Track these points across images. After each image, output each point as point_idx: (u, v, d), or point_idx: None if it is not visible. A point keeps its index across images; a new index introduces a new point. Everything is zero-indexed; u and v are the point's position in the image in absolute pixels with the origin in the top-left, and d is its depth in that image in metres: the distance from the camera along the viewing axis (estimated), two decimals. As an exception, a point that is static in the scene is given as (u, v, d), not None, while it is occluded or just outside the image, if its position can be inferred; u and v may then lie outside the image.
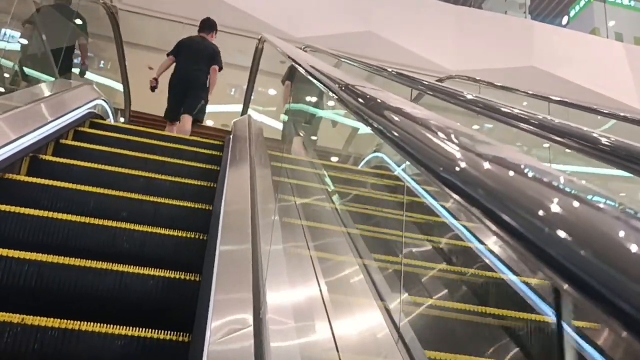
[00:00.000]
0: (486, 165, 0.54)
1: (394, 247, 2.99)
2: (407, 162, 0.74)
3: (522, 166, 0.51)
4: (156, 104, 11.81)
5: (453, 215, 3.55)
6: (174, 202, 2.85)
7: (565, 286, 0.37)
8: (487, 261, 2.67)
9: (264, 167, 3.12)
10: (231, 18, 9.28)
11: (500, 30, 10.14)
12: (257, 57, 5.61)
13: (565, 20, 14.57)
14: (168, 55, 6.12)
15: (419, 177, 4.46)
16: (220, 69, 5.94)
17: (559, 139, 1.48)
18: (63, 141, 3.50)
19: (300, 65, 2.49)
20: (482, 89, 5.45)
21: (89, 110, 4.32)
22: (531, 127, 1.61)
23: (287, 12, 9.53)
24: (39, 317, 1.67)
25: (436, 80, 5.39)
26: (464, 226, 3.40)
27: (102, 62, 10.18)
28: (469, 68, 9.65)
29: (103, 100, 4.92)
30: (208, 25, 6.26)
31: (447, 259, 2.91)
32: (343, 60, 4.69)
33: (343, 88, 1.33)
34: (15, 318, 1.65)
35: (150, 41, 9.77)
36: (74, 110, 3.77)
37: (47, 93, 3.77)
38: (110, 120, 5.23)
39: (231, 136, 4.46)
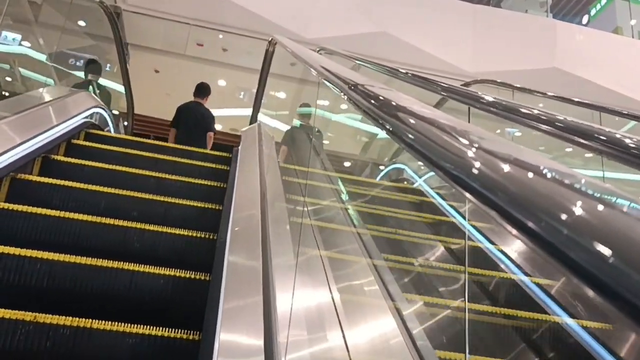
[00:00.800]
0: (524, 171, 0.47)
1: (426, 281, 2.60)
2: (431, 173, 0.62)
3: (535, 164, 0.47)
4: (162, 107, 11.48)
5: (488, 239, 3.15)
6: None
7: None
8: (541, 304, 2.27)
9: (278, 198, 2.73)
10: (239, 19, 8.92)
11: (521, 30, 9.69)
12: (268, 60, 5.23)
13: (585, 19, 14.07)
14: (171, 126, 6.56)
15: (445, 192, 4.07)
16: (214, 133, 6.54)
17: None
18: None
19: (312, 66, 2.32)
20: (505, 93, 5.03)
21: (85, 120, 3.96)
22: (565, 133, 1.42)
23: (298, 13, 9.15)
24: (51, 315, 1.68)
25: (462, 85, 4.99)
26: (502, 252, 3.01)
27: (108, 65, 9.82)
28: (488, 70, 9.22)
29: (101, 108, 4.56)
30: (202, 90, 6.66)
31: (491, 297, 2.51)
32: (359, 62, 4.29)
33: (352, 87, 1.30)
34: (28, 316, 1.66)
35: (156, 43, 9.43)
36: (66, 121, 3.40)
37: (36, 102, 3.40)
38: (110, 130, 4.87)
39: (239, 148, 4.09)
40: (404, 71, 2.92)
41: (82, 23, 8.83)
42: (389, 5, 9.44)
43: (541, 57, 9.44)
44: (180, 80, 10.23)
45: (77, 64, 9.55)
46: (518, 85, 4.11)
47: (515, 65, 9.31)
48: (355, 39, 9.05)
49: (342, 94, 1.46)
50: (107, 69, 9.68)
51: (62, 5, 7.73)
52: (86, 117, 4.01)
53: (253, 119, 6.16)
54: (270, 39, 5.04)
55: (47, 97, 3.58)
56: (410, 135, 0.76)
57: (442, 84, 2.40)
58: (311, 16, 9.17)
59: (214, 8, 8.84)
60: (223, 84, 10.27)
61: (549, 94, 4.23)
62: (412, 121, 0.79)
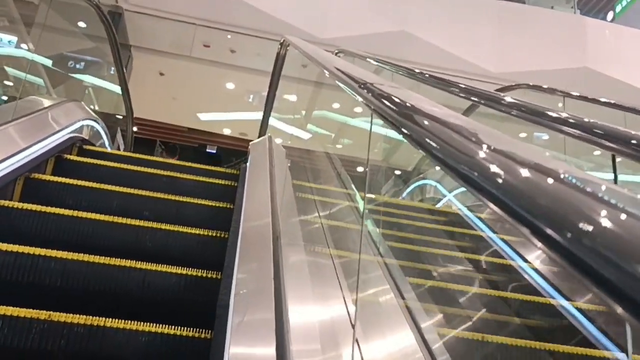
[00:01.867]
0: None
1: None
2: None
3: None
4: (168, 111, 11.00)
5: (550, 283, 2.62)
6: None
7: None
8: None
9: (295, 238, 2.19)
10: (249, 18, 8.39)
11: (548, 28, 9.08)
12: (279, 64, 4.69)
13: (610, 15, 13.41)
14: None
15: (489, 216, 3.52)
16: None
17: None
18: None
19: (326, 68, 2.18)
20: (552, 100, 4.46)
21: (71, 135, 3.44)
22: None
23: (311, 12, 8.60)
24: (65, 314, 1.69)
25: (497, 90, 4.44)
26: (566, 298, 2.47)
27: (112, 69, 9.32)
28: (514, 70, 8.63)
29: (93, 120, 4.05)
30: None
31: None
32: (381, 65, 3.76)
33: (362, 86, 1.29)
34: (42, 314, 1.67)
35: (160, 44, 8.92)
36: (41, 140, 2.88)
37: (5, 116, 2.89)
38: (104, 143, 4.35)
39: (248, 165, 3.57)
40: (430, 75, 2.58)
41: (82, 24, 8.37)
42: (408, 3, 8.88)
43: (571, 56, 8.84)
44: (187, 83, 9.75)
45: (77, 66, 9.10)
46: (576, 93, 3.53)
47: (543, 65, 8.71)
48: (372, 38, 8.50)
49: (353, 93, 1.41)
50: (112, 72, 9.23)
51: (60, 5, 7.27)
52: (73, 132, 3.50)
53: (263, 127, 5.62)
54: (282, 41, 4.49)
55: (23, 110, 3.06)
56: (422, 136, 0.75)
57: (475, 90, 2.10)
58: (325, 15, 8.62)
59: (221, 7, 8.32)
60: (231, 87, 9.76)
61: (603, 100, 3.67)
62: (424, 121, 0.78)
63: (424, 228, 3.21)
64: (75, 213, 2.27)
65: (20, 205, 2.26)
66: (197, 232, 2.35)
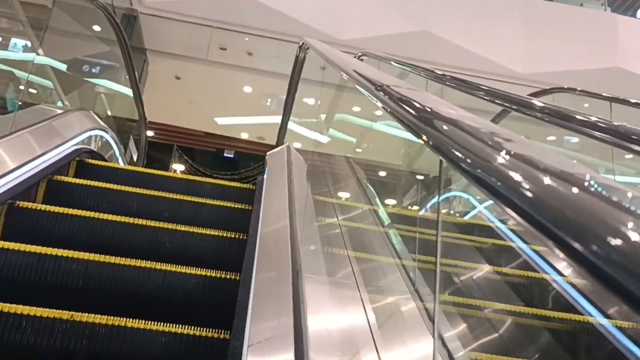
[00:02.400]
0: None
1: None
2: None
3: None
4: (185, 115, 10.81)
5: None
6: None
7: None
8: None
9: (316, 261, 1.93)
10: (266, 20, 8.15)
11: (578, 26, 8.69)
12: (298, 69, 4.42)
13: (640, 13, 12.92)
14: None
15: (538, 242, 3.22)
16: None
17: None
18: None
19: (345, 71, 2.08)
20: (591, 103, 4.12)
21: (76, 148, 3.22)
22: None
23: (329, 12, 8.33)
24: (87, 314, 1.71)
25: (530, 94, 4.13)
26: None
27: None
28: (542, 71, 8.27)
29: (102, 130, 3.83)
30: None
31: None
32: (404, 68, 3.48)
33: (378, 88, 1.26)
34: (65, 314, 1.69)
35: (176, 48, 8.73)
36: (41, 155, 2.66)
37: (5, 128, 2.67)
38: (114, 154, 4.13)
39: (265, 178, 3.31)
40: (466, 81, 2.29)
41: (96, 28, 8.20)
42: (430, 2, 8.56)
43: (602, 55, 8.44)
44: (203, 87, 9.55)
45: (93, 70, 8.94)
46: (608, 95, 3.21)
47: (572, 65, 8.33)
48: (393, 39, 8.20)
49: (372, 97, 1.37)
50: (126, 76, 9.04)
51: (74, 8, 7.11)
52: (78, 144, 3.27)
53: (282, 132, 5.35)
54: (300, 43, 4.22)
55: (23, 122, 2.84)
56: (439, 139, 0.74)
57: (509, 95, 1.90)
58: (344, 16, 8.35)
59: (238, 8, 8.09)
60: (248, 90, 9.53)
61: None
62: (442, 125, 0.77)
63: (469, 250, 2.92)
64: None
65: None
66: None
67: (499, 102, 2.04)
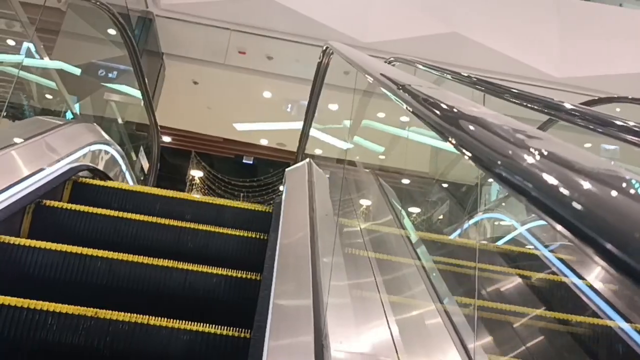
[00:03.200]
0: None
1: None
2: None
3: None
4: (204, 121, 10.50)
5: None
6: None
7: None
8: None
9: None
10: (286, 22, 7.79)
11: (617, 27, 8.16)
12: (321, 75, 4.03)
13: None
14: None
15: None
16: None
17: None
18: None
19: (370, 74, 1.92)
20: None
21: (73, 166, 2.87)
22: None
23: (353, 14, 7.94)
24: (110, 311, 1.72)
25: (582, 104, 3.69)
26: None
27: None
28: (579, 75, 7.78)
29: (106, 144, 3.49)
30: None
31: None
32: (447, 76, 3.07)
33: (400, 88, 1.24)
34: (89, 311, 1.70)
35: (194, 52, 8.41)
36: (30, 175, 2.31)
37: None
38: (121, 170, 3.79)
39: (282, 201, 2.94)
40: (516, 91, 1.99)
41: (111, 31, 7.91)
42: (459, 1, 8.12)
43: (644, 58, 7.91)
44: (222, 92, 9.23)
45: (110, 75, 8.67)
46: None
47: (611, 69, 7.82)
48: (420, 41, 7.78)
49: (393, 96, 1.30)
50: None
51: (86, 11, 6.83)
52: (75, 162, 2.93)
53: (302, 141, 4.95)
54: (324, 48, 3.82)
55: (16, 135, 2.50)
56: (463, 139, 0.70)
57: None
58: (367, 17, 7.94)
59: (257, 10, 7.74)
60: (268, 95, 9.18)
61: None
62: (467, 125, 0.71)
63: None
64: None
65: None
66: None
67: (552, 112, 1.75)
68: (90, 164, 3.25)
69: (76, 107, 6.10)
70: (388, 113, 6.27)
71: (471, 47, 7.85)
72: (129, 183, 4.12)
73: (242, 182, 11.89)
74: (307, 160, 3.48)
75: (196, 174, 12.23)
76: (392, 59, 3.62)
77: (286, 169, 3.55)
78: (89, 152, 3.23)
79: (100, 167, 3.38)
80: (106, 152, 3.49)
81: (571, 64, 7.81)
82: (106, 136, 3.60)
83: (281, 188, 3.29)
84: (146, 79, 4.55)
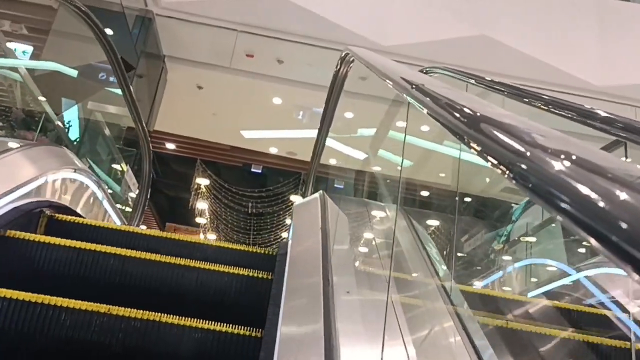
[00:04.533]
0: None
1: None
2: None
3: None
4: (208, 128, 9.87)
5: None
6: None
7: None
8: None
9: None
10: (298, 23, 7.12)
11: (663, 30, 7.41)
12: (338, 86, 3.34)
13: None
14: None
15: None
16: None
17: None
18: None
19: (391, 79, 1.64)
20: None
21: (16, 205, 2.22)
22: None
23: (371, 14, 7.25)
24: (123, 308, 1.73)
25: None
26: None
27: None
28: (622, 83, 7.04)
29: (76, 171, 2.84)
30: None
31: None
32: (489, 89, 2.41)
33: (414, 87, 1.25)
34: (102, 308, 1.71)
35: (198, 54, 7.78)
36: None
37: None
38: (100, 205, 3.13)
39: (288, 250, 2.28)
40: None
41: (109, 31, 7.27)
42: (488, 2, 7.41)
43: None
44: (228, 98, 8.59)
45: (111, 79, 8.08)
46: None
47: (656, 77, 7.07)
48: (445, 44, 7.08)
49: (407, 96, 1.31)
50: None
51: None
52: (21, 199, 2.28)
53: (317, 154, 4.25)
54: (342, 55, 3.11)
55: None
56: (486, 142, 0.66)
57: None
58: (388, 18, 7.25)
59: (266, 10, 7.08)
60: (278, 102, 8.52)
61: None
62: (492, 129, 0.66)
63: None
64: None
65: None
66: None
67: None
68: (52, 199, 2.61)
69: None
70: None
71: (501, 51, 7.13)
72: (115, 221, 3.49)
73: (250, 192, 11.24)
74: (319, 192, 2.80)
75: (202, 182, 11.60)
76: (426, 68, 2.93)
77: (295, 204, 2.88)
78: (49, 184, 2.57)
79: (65, 201, 2.72)
80: (72, 181, 2.83)
81: (613, 71, 7.07)
82: (77, 162, 2.95)
83: (284, 235, 2.62)
84: (141, 80, 3.91)
